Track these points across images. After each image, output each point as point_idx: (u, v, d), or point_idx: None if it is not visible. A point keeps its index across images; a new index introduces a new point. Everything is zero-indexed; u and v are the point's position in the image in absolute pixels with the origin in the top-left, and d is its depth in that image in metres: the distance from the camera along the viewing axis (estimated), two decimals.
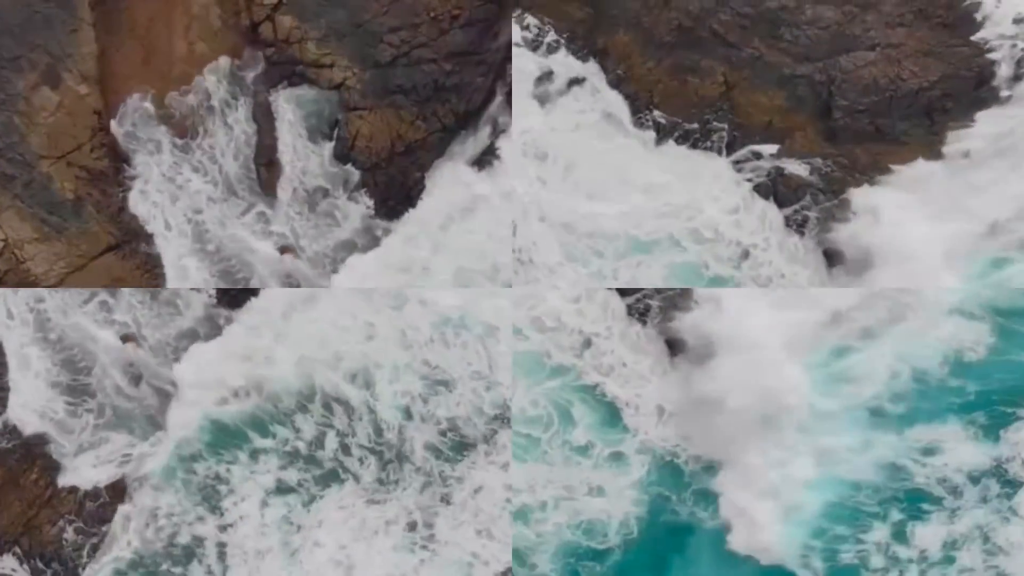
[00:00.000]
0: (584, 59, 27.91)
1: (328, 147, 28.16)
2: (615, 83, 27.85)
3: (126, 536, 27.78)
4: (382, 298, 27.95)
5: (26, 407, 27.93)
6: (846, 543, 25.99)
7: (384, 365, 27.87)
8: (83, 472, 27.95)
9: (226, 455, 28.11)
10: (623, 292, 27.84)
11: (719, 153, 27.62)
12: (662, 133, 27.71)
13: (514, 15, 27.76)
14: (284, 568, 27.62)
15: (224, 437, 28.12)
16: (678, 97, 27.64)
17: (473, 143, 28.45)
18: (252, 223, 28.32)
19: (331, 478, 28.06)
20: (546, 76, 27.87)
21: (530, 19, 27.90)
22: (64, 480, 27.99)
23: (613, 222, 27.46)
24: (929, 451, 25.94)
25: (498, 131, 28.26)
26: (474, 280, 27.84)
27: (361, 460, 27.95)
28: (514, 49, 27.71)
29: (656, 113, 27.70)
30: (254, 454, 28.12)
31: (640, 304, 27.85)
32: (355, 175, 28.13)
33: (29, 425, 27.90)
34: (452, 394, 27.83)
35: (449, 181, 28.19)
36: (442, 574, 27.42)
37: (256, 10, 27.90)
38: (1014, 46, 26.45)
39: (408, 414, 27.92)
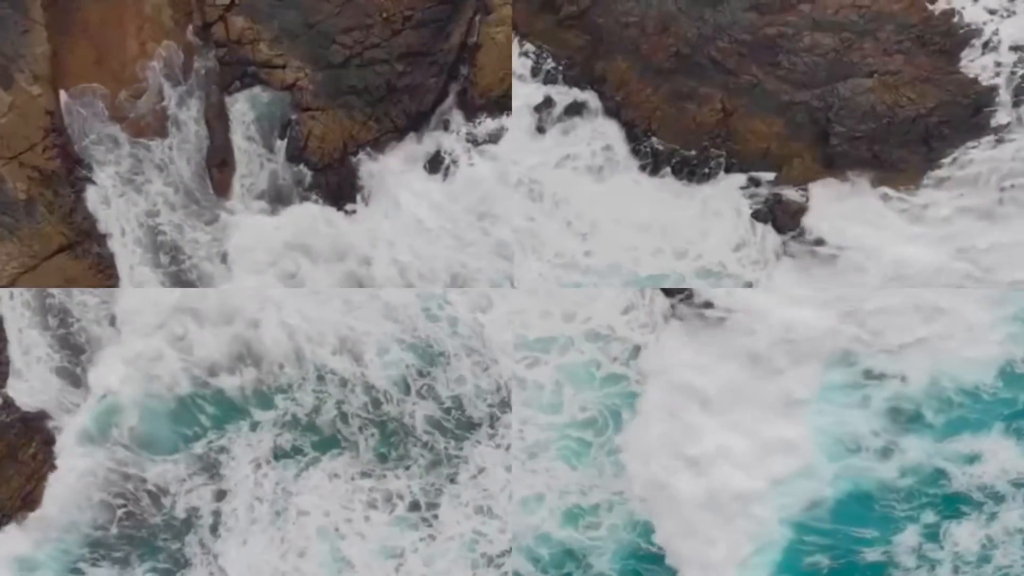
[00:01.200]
0: (582, 87, 28.01)
1: (281, 148, 28.33)
2: (613, 110, 27.93)
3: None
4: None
5: (30, 390, 28.24)
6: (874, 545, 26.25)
7: (372, 333, 27.98)
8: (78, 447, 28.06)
9: (228, 427, 28.34)
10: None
11: (716, 180, 27.62)
12: (660, 160, 27.69)
13: (514, 41, 27.89)
14: (277, 539, 27.69)
15: (224, 409, 28.38)
16: (676, 124, 27.67)
17: (425, 144, 28.54)
18: (206, 224, 28.40)
19: (329, 450, 28.09)
20: (545, 104, 28.01)
21: (528, 46, 27.94)
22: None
23: (611, 258, 27.61)
24: (972, 459, 26.16)
25: (450, 132, 28.42)
26: (410, 280, 27.99)
27: (361, 430, 27.96)
28: (514, 80, 27.85)
29: (654, 140, 27.74)
30: (255, 426, 28.30)
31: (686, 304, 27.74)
32: (307, 175, 28.31)
33: (28, 402, 28.13)
34: (447, 369, 27.90)
35: (395, 182, 28.36)
36: (444, 551, 27.36)
37: (208, 11, 28.10)
38: (1012, 73, 26.57)
39: (404, 388, 27.99)
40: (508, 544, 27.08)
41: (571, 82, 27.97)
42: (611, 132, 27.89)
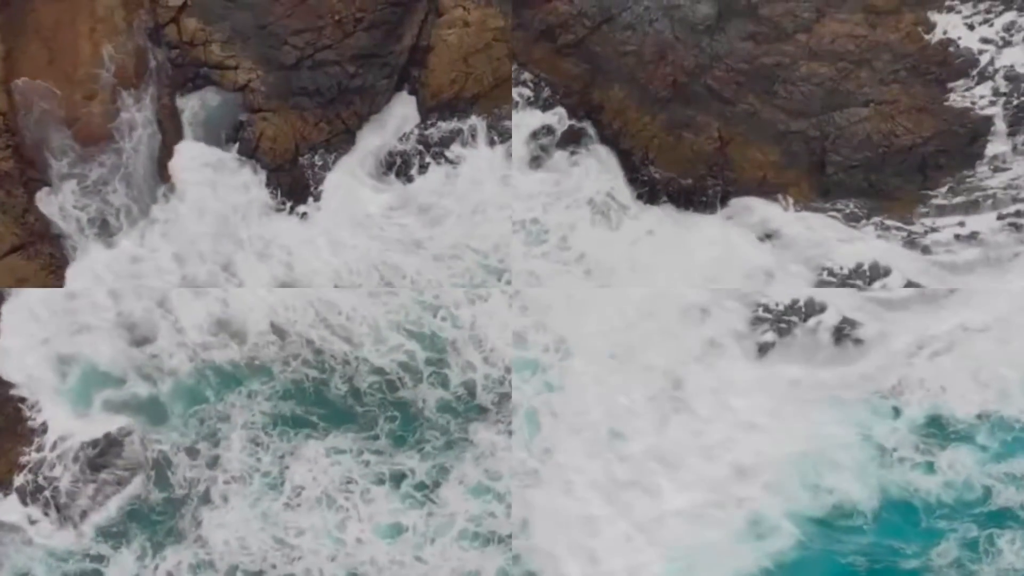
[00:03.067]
0: (579, 116, 28.11)
1: (232, 149, 28.53)
2: (610, 138, 28.00)
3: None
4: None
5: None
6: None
7: (359, 306, 28.12)
8: (76, 423, 28.12)
9: (228, 400, 28.27)
10: None
11: (713, 210, 27.76)
12: (657, 188, 27.77)
13: (513, 69, 27.99)
14: (278, 515, 27.55)
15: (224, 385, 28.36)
16: (673, 152, 27.74)
17: (376, 145, 28.69)
18: (155, 224, 28.48)
19: (330, 427, 28.01)
20: (542, 132, 28.07)
21: (527, 75, 28.02)
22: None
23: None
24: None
25: (401, 134, 28.54)
26: (343, 283, 28.15)
27: (365, 412, 27.86)
28: (515, 112, 28.01)
29: (651, 168, 27.77)
30: (251, 394, 28.24)
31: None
32: (259, 176, 28.47)
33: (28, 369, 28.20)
34: (446, 354, 27.90)
35: (346, 185, 28.53)
36: (449, 531, 27.20)
37: (161, 12, 28.33)
38: (1008, 102, 26.67)
39: (405, 370, 27.92)
40: (511, 528, 27.03)
41: (568, 110, 28.04)
42: (608, 161, 28.09)
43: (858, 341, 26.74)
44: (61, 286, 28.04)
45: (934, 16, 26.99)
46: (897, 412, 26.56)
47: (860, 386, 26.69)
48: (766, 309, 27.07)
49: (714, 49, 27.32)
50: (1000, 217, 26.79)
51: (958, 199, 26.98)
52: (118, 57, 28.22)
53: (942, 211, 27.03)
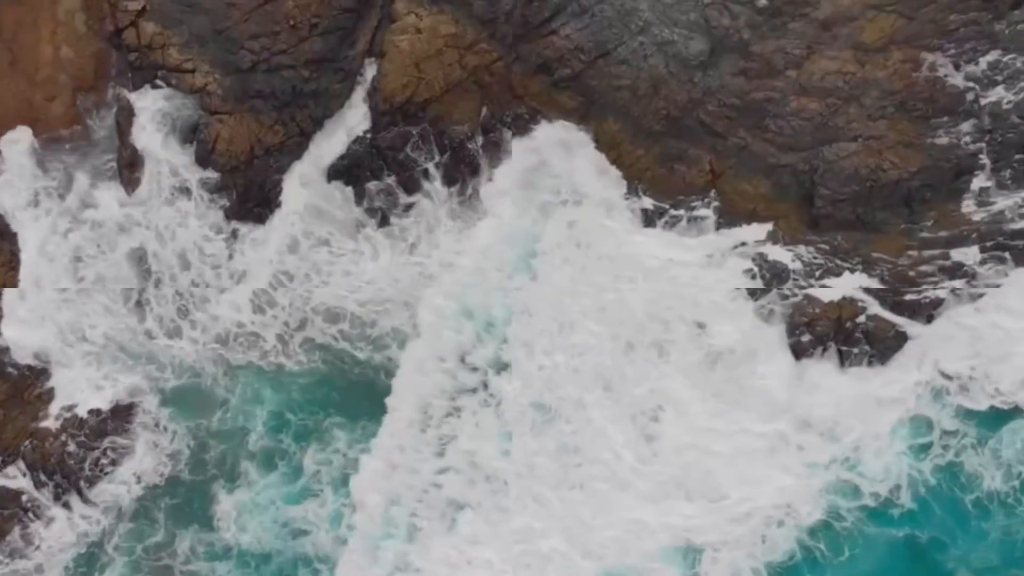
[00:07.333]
0: None
1: (189, 150, 29.04)
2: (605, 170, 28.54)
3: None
4: None
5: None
6: None
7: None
8: (83, 393, 28.90)
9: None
10: None
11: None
12: (649, 218, 28.44)
13: (510, 102, 28.62)
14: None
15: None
16: (666, 184, 28.33)
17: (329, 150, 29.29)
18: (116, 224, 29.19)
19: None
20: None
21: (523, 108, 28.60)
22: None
23: None
24: None
25: (354, 138, 29.10)
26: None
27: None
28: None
29: (644, 200, 28.37)
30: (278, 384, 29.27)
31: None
32: (215, 178, 29.08)
33: (31, 344, 28.89)
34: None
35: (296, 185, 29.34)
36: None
37: (120, 16, 28.79)
38: (992, 139, 27.16)
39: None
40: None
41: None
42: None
43: (900, 336, 27.51)
44: (16, 285, 28.82)
45: (922, 54, 27.41)
46: (947, 405, 27.36)
47: (906, 380, 27.61)
48: (802, 312, 27.75)
49: (706, 84, 27.85)
50: (984, 250, 27.36)
51: (943, 232, 27.53)
52: (78, 59, 28.89)
53: (927, 244, 27.59)
